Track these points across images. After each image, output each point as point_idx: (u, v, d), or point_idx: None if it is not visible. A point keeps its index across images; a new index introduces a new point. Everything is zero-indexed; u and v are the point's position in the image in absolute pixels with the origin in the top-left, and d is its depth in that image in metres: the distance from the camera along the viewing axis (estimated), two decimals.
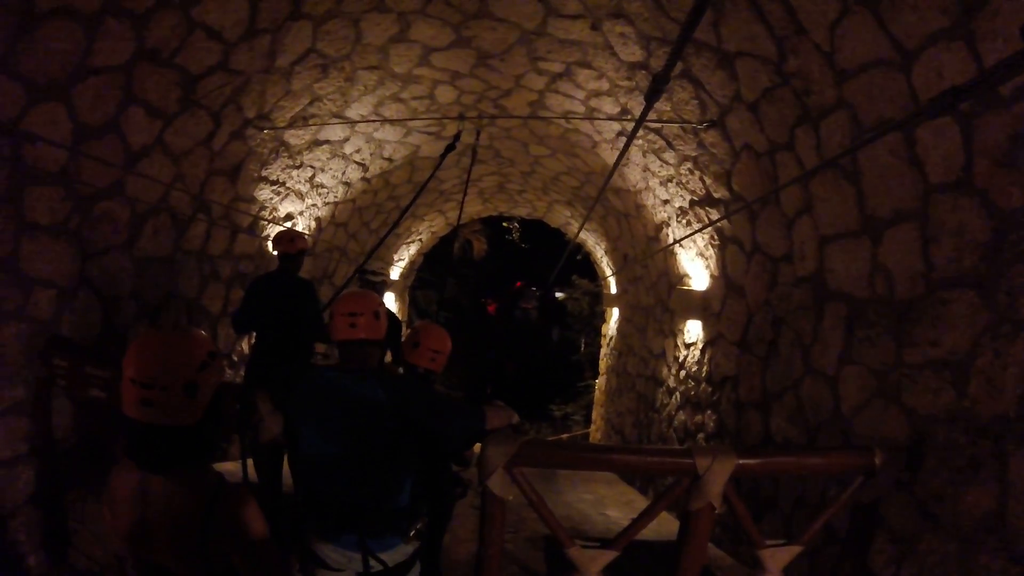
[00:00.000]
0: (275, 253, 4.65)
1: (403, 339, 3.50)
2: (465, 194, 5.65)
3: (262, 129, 4.72)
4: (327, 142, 5.70)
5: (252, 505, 1.64)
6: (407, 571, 2.54)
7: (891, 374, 2.75)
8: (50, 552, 3.08)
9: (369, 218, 7.93)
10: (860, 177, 2.93)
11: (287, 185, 5.68)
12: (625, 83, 4.69)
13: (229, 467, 4.96)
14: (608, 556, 2.48)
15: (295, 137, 5.25)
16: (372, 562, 2.40)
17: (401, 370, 3.94)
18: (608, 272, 9.42)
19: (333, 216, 6.96)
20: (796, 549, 2.59)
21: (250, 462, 3.62)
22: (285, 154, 5.32)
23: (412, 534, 2.63)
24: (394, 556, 2.49)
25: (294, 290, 4.51)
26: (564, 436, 11.77)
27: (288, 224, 6.05)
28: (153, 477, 1.57)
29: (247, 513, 1.62)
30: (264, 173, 5.24)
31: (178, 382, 1.53)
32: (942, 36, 2.18)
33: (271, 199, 5.57)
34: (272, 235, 5.33)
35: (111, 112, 3.27)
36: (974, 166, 2.24)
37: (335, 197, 6.68)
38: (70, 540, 3.15)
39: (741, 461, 2.39)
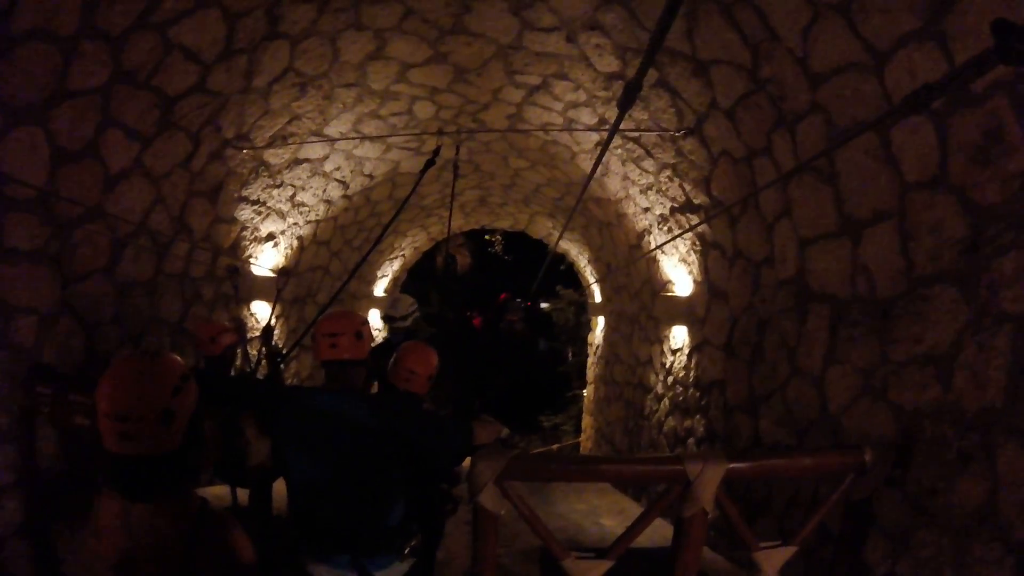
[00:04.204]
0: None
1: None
2: (451, 210, 5.65)
3: (241, 149, 4.70)
4: (307, 160, 5.68)
5: (237, 530, 1.62)
6: None
7: (877, 372, 2.78)
8: None
9: (351, 236, 7.91)
10: (837, 179, 2.98)
11: (268, 205, 5.66)
12: (602, 93, 4.74)
13: (217, 491, 4.89)
14: (603, 566, 2.47)
15: (275, 156, 5.23)
16: None
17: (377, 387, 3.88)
18: (592, 281, 9.46)
19: (315, 235, 6.93)
20: (791, 550, 2.60)
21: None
22: (265, 173, 5.29)
23: (406, 551, 2.62)
24: (389, 574, 2.48)
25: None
26: (554, 447, 11.74)
27: (270, 244, 6.02)
28: (136, 505, 1.54)
29: (232, 538, 1.61)
30: (244, 193, 5.21)
31: (152, 412, 1.51)
32: (913, 37, 2.23)
33: (252, 219, 5.54)
34: (194, 331, 4.44)
35: (89, 135, 3.25)
36: (949, 164, 2.28)
37: (316, 215, 6.65)
38: (59, 570, 3.09)
39: (732, 465, 2.40)
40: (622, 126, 3.60)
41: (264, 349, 4.79)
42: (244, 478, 3.24)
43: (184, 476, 1.62)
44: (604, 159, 4.59)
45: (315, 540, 2.47)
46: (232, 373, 4.21)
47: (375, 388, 4.03)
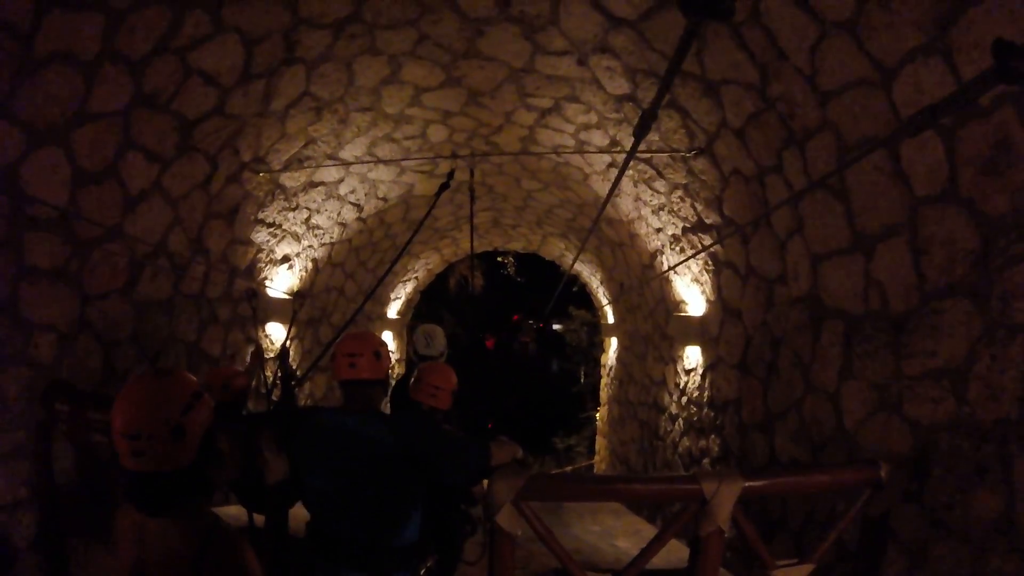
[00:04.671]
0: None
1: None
2: (472, 232, 5.71)
3: (258, 172, 4.78)
4: (322, 183, 5.77)
5: (244, 548, 1.65)
6: None
7: (891, 387, 2.77)
8: None
9: (366, 257, 7.98)
10: (848, 195, 2.99)
11: (283, 227, 5.74)
12: (613, 115, 4.78)
13: (234, 511, 4.90)
14: None
15: (291, 179, 5.32)
16: None
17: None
18: (605, 302, 9.45)
19: (330, 256, 7.00)
20: (808, 567, 2.57)
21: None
22: (281, 196, 5.38)
23: (422, 572, 2.61)
24: None
25: None
26: (568, 468, 11.66)
27: (285, 266, 6.09)
28: (150, 519, 1.59)
29: (239, 556, 1.63)
30: (261, 215, 5.29)
31: (164, 429, 1.54)
32: (919, 52, 2.26)
33: (268, 241, 5.61)
34: (207, 379, 3.97)
35: (110, 157, 3.33)
36: (959, 176, 2.30)
37: (331, 238, 6.73)
38: None
39: (748, 483, 2.39)
40: None
41: (280, 371, 4.82)
42: (261, 498, 3.26)
43: (197, 492, 1.66)
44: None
45: (331, 558, 2.47)
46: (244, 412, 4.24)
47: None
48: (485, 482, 2.47)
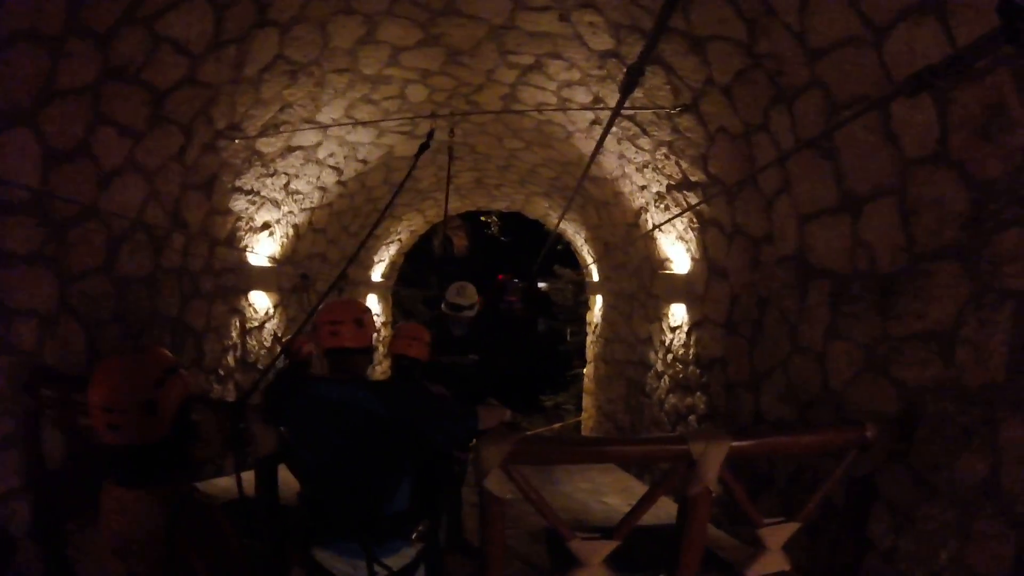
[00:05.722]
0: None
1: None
2: (448, 192, 5.64)
3: (233, 139, 4.65)
4: (300, 148, 5.63)
5: (216, 517, 1.72)
6: (412, 573, 2.55)
7: (878, 348, 2.79)
8: None
9: (347, 222, 7.87)
10: (837, 154, 2.96)
11: (262, 194, 5.62)
12: (597, 72, 4.69)
13: (223, 483, 4.91)
14: (609, 546, 2.49)
15: (267, 145, 5.18)
16: (377, 568, 2.41)
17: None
18: (590, 260, 9.44)
19: (311, 222, 6.89)
20: (794, 526, 2.62)
21: (247, 476, 3.60)
22: (258, 163, 5.25)
23: (414, 536, 2.64)
24: (398, 560, 2.50)
25: None
26: (556, 426, 11.80)
27: (265, 233, 5.99)
28: (130, 493, 1.67)
29: (211, 525, 1.70)
30: (238, 183, 5.17)
31: (136, 403, 1.62)
32: (912, 11, 2.20)
33: (247, 209, 5.50)
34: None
35: (81, 134, 3.21)
36: (950, 139, 2.27)
37: (311, 203, 6.62)
38: (72, 570, 3.12)
39: (735, 444, 2.42)
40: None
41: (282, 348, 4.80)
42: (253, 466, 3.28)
43: (173, 465, 1.73)
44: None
45: (323, 527, 2.49)
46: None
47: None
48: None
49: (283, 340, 5.82)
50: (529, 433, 5.29)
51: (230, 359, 5.59)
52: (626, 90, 2.20)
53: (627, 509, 2.58)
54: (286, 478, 2.98)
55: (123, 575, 1.72)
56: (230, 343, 5.60)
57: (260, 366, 6.01)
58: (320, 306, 2.74)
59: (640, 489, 5.74)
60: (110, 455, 1.67)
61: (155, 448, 1.67)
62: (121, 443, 1.63)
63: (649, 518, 2.64)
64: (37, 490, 3.04)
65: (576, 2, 3.91)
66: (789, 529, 2.63)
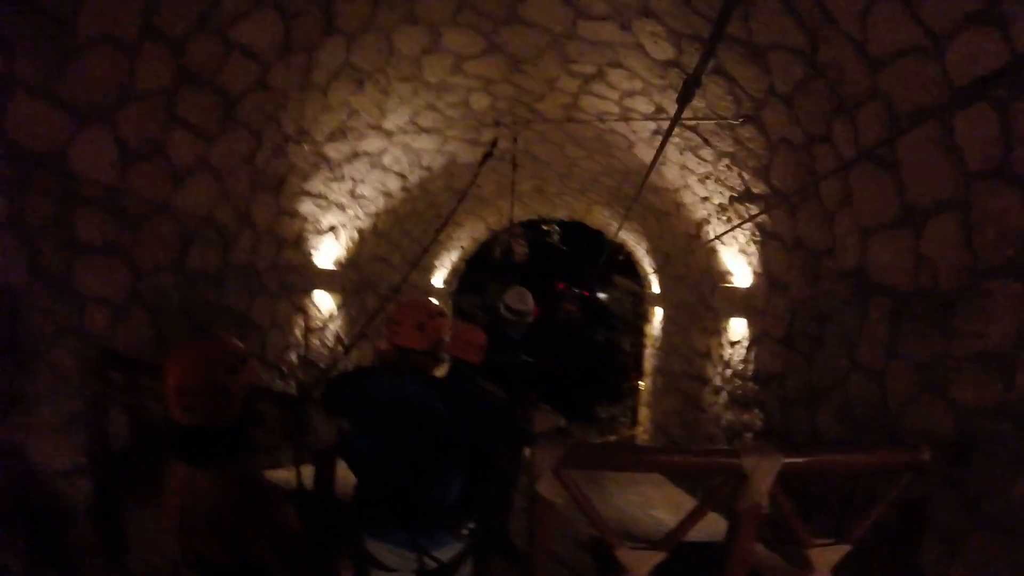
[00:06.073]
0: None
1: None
2: (512, 201, 5.71)
3: (302, 144, 4.84)
4: (366, 154, 5.81)
5: (279, 499, 1.80)
6: (460, 566, 2.60)
7: (938, 368, 2.68)
8: (109, 559, 3.22)
9: (411, 227, 8.03)
10: (899, 167, 2.86)
11: (329, 198, 5.81)
12: (658, 81, 4.66)
13: (283, 475, 5.08)
14: (656, 557, 2.47)
15: (334, 150, 5.37)
16: (426, 559, 2.46)
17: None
18: (650, 271, 9.33)
19: (375, 226, 7.08)
20: (844, 548, 2.54)
21: (305, 470, 3.72)
22: (325, 167, 5.44)
23: (464, 532, 2.68)
24: (446, 553, 2.55)
25: None
26: (611, 438, 11.68)
27: (331, 236, 6.18)
28: (197, 471, 1.75)
29: (273, 507, 1.78)
30: (306, 187, 5.37)
31: (211, 386, 1.72)
32: (973, 20, 2.13)
33: (314, 212, 5.70)
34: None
35: (156, 135, 3.41)
36: (1013, 152, 2.17)
37: (376, 208, 6.79)
38: (128, 547, 3.28)
39: (787, 460, 2.36)
40: None
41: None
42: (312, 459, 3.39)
43: (239, 448, 1.82)
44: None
45: (374, 518, 2.55)
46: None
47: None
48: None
49: (345, 341, 5.99)
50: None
51: (293, 356, 5.79)
52: (683, 101, 2.19)
53: (676, 523, 2.55)
54: (345, 475, 3.06)
55: (177, 552, 1.83)
56: (293, 340, 5.80)
57: (322, 365, 6.19)
58: (383, 308, 2.80)
59: (690, 504, 5.62)
60: (179, 435, 1.77)
61: (223, 431, 1.77)
62: (192, 424, 1.73)
63: (698, 534, 2.60)
64: (100, 468, 3.21)
65: (636, 11, 3.91)
66: (839, 551, 2.55)
